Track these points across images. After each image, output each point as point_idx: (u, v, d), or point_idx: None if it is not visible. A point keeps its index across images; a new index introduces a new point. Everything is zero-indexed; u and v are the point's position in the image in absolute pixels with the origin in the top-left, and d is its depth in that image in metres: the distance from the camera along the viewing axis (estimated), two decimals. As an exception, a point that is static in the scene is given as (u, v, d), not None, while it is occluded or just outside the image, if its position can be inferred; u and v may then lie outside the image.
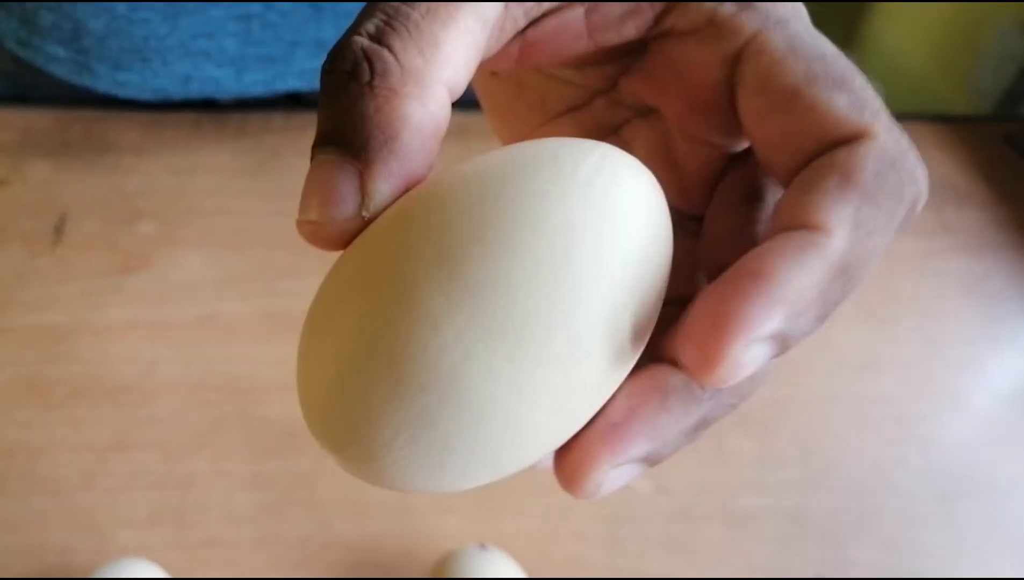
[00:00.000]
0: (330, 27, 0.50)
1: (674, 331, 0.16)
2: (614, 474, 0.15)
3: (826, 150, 0.15)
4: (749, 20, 0.16)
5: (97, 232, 0.45)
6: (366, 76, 0.15)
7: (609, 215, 0.14)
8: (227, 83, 0.50)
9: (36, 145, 0.49)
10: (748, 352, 0.13)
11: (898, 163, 0.15)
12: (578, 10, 0.17)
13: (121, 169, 0.49)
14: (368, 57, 0.15)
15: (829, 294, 0.14)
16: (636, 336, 0.15)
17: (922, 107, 0.93)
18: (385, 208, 0.15)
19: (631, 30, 0.18)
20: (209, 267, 0.44)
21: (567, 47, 0.18)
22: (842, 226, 0.14)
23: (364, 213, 0.15)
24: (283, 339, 0.42)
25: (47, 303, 0.42)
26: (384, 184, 0.15)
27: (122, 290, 0.43)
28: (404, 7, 0.15)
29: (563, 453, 0.16)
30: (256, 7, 0.47)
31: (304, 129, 0.52)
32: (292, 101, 0.54)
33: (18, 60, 0.51)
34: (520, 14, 0.17)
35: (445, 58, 0.15)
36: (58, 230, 0.45)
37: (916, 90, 0.95)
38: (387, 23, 0.15)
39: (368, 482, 0.15)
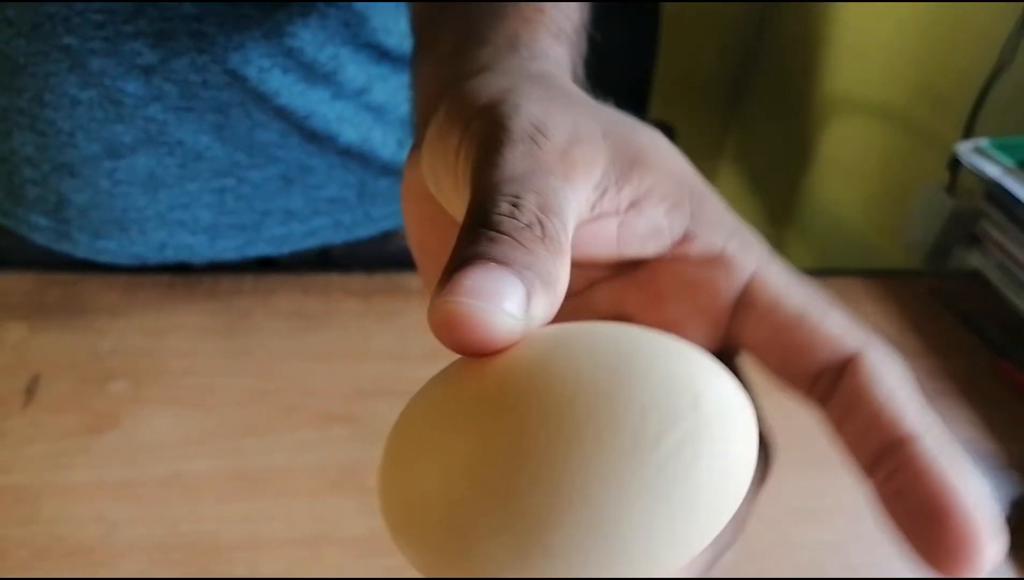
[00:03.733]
0: (299, 197, 0.53)
1: None
2: None
3: (835, 359, 0.19)
4: (751, 258, 0.20)
5: (69, 392, 0.47)
6: (539, 233, 0.16)
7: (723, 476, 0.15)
8: (201, 249, 0.53)
9: (14, 307, 0.51)
10: None
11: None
12: (613, 221, 0.20)
13: (96, 330, 0.50)
14: (540, 221, 0.17)
15: None
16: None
17: (860, 260, 0.98)
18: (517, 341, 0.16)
19: (653, 248, 0.20)
20: (177, 426, 0.46)
21: (596, 251, 0.20)
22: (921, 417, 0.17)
23: (526, 324, 0.16)
24: (248, 497, 0.43)
25: (13, 464, 0.43)
26: (544, 311, 0.16)
27: (90, 450, 0.44)
28: (547, 199, 0.17)
29: None
30: (230, 181, 0.51)
31: (273, 291, 0.54)
32: (262, 265, 0.57)
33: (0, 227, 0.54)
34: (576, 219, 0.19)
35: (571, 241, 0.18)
36: (30, 390, 0.46)
37: (854, 243, 1.01)
38: (544, 201, 0.17)
39: None
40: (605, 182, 0.19)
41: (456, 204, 0.20)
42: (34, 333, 0.50)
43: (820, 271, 0.63)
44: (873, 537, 0.44)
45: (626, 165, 0.19)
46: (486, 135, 0.19)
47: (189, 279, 0.54)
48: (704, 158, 1.38)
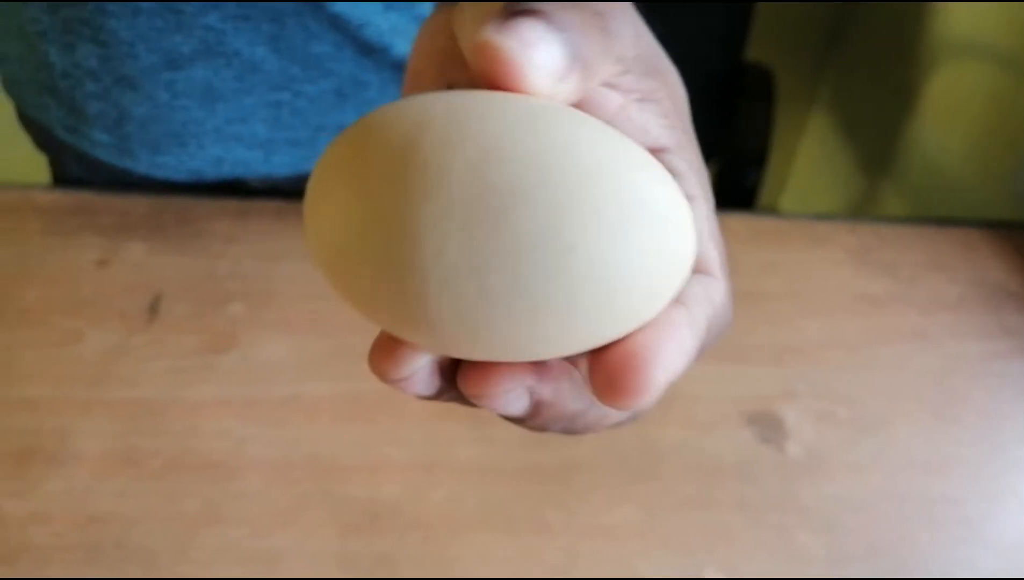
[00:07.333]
0: (353, 113, 0.53)
1: None
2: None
3: None
4: (701, 204, 0.21)
5: (189, 312, 0.48)
6: (601, 24, 0.19)
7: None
8: (256, 164, 0.54)
9: (133, 229, 0.53)
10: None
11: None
12: (619, 99, 0.21)
13: (211, 253, 0.52)
14: (602, 18, 0.19)
15: None
16: None
17: (961, 212, 0.95)
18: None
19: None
20: (293, 349, 0.47)
21: (592, 112, 0.21)
22: None
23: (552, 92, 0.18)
24: (362, 421, 0.44)
25: (141, 378, 0.44)
26: (574, 93, 0.18)
27: (212, 368, 0.45)
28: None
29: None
30: (285, 95, 0.51)
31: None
32: None
33: (65, 145, 0.55)
34: None
35: None
36: (153, 309, 0.48)
37: (958, 193, 0.97)
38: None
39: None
40: (630, 66, 0.21)
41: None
42: (153, 254, 0.51)
43: (936, 220, 0.60)
44: (988, 490, 0.43)
45: (650, 68, 0.21)
46: None
47: (298, 205, 0.55)
48: (798, 101, 1.34)
